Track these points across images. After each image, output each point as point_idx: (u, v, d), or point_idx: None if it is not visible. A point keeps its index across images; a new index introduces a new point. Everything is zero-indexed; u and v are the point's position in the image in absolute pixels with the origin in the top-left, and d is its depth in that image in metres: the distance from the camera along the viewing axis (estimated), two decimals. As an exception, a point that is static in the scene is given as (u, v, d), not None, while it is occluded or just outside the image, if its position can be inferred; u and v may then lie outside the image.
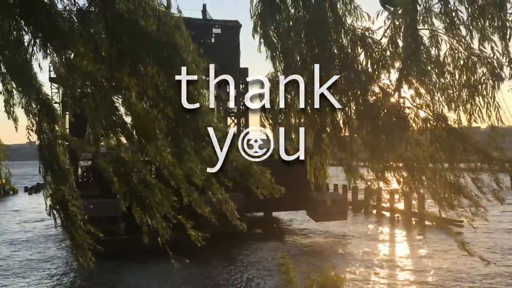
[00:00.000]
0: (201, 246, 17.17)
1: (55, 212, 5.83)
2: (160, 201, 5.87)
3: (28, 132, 5.45)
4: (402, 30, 5.51)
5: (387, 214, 29.37)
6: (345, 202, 26.65)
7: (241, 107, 32.40)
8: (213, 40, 30.30)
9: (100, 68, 5.43)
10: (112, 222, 21.01)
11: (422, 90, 5.68)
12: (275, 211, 27.03)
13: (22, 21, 5.28)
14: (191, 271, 15.63)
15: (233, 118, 34.71)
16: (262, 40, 5.79)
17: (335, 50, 5.55)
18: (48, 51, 5.38)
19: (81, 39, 5.28)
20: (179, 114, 5.69)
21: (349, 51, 5.58)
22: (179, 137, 5.96)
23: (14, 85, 5.46)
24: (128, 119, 5.86)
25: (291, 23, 5.61)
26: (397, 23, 5.51)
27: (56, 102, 5.86)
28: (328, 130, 5.97)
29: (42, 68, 5.67)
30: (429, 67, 5.57)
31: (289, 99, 6.48)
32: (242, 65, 30.91)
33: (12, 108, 5.44)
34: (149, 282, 14.13)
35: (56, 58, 5.59)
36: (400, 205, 28.04)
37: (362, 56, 5.67)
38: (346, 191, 31.61)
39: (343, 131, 6.16)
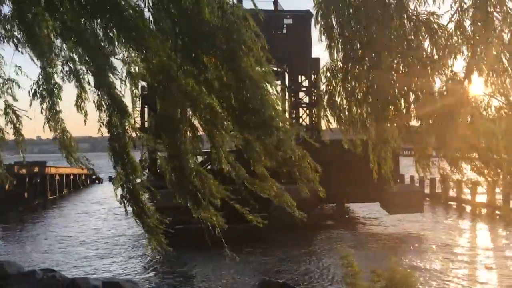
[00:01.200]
0: (274, 237, 17.43)
1: (125, 201, 6.08)
2: (211, 193, 5.98)
3: (100, 125, 5.76)
4: (470, 13, 5.18)
5: (468, 207, 27.86)
6: (421, 194, 25.67)
7: (313, 98, 32.19)
8: (284, 31, 30.24)
9: (171, 63, 5.60)
10: (187, 212, 21.85)
11: (494, 78, 5.32)
12: (348, 202, 26.65)
13: (96, 19, 5.52)
14: (261, 260, 15.89)
15: (305, 109, 34.47)
16: (322, 29, 5.70)
17: (398, 37, 5.33)
18: (124, 48, 5.62)
19: (153, 34, 5.47)
20: (244, 105, 5.75)
21: (413, 37, 5.35)
22: (244, 128, 6.01)
23: (89, 81, 5.73)
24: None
25: (351, 10, 5.46)
26: (465, 6, 5.19)
27: (136, 96, 6.11)
28: (392, 119, 5.77)
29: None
30: (502, 54, 5.21)
31: (349, 89, 6.35)
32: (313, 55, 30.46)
33: (83, 103, 5.78)
34: (220, 270, 14.49)
35: (132, 54, 5.83)
36: (482, 198, 26.46)
37: (427, 43, 5.41)
38: (423, 183, 30.43)
39: (407, 120, 5.94)
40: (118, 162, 5.88)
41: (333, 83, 5.97)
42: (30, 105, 5.98)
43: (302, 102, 34.90)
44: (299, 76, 35.06)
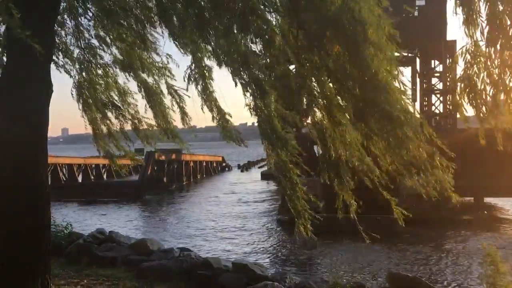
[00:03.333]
0: (404, 230, 16.73)
1: (280, 177, 6.08)
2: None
3: (249, 110, 5.91)
4: None
5: None
6: None
7: (447, 84, 29.97)
8: (416, 13, 28.56)
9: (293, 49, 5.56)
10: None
11: None
12: (487, 196, 24.47)
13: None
14: (389, 253, 15.30)
15: (438, 95, 32.33)
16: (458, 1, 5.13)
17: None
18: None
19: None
20: (366, 94, 5.51)
21: None
22: (366, 118, 5.77)
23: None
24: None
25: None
26: None
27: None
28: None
29: None
30: None
31: (495, 75, 5.68)
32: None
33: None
34: (344, 259, 14.27)
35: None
36: None
37: None
38: None
39: None
40: (268, 143, 5.92)
41: (475, 67, 5.37)
42: (187, 89, 6.33)
43: (435, 88, 32.77)
44: (432, 61, 32.95)
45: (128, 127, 7.59)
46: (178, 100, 7.26)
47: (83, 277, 8.63)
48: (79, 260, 9.96)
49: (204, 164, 49.62)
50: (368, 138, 5.89)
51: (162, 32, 6.70)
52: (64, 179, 38.39)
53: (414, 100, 33.95)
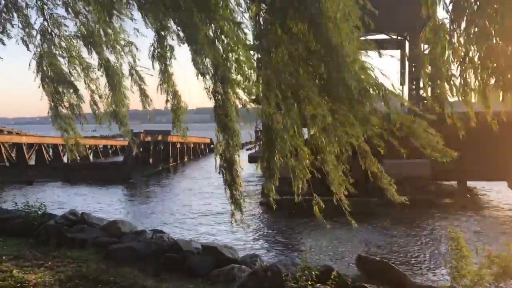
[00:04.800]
0: (383, 212, 16.63)
1: (223, 171, 6.06)
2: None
3: (207, 94, 5.74)
4: None
5: None
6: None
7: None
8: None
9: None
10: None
11: None
12: (469, 180, 24.56)
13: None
14: (365, 235, 15.31)
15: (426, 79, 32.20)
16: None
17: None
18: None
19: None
20: (332, 73, 5.38)
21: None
22: (333, 96, 5.65)
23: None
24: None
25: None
26: None
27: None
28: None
29: None
30: None
31: (461, 53, 5.54)
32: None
33: None
34: (328, 243, 14.25)
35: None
36: None
37: None
38: None
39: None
40: (220, 131, 5.83)
41: (439, 45, 5.22)
42: (153, 67, 6.12)
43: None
44: (422, 44, 32.58)
45: (87, 106, 7.35)
46: (139, 81, 7.03)
47: (49, 259, 8.48)
48: (48, 241, 9.81)
49: (192, 146, 49.36)
50: (334, 114, 5.79)
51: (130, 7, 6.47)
52: (49, 159, 38.05)
53: (402, 84, 33.84)
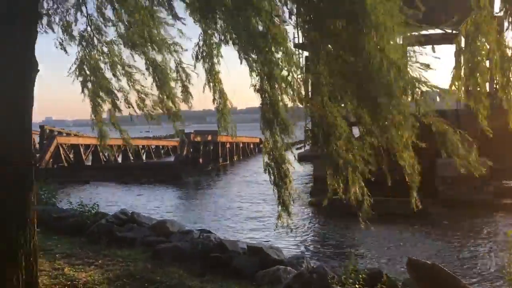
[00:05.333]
0: (439, 213, 15.95)
1: (270, 170, 5.94)
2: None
3: (254, 90, 5.66)
4: None
5: None
6: None
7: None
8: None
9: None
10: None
11: None
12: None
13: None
14: (418, 237, 14.78)
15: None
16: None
17: None
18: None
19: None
20: (367, 71, 5.13)
21: None
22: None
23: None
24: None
25: None
26: None
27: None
28: None
29: None
30: None
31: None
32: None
33: None
34: (379, 245, 13.87)
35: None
36: None
37: None
38: None
39: None
40: (266, 129, 5.72)
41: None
42: (195, 66, 6.16)
43: (480, 66, 31.14)
44: (479, 36, 31.10)
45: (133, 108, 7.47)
46: (184, 80, 7.06)
47: (100, 257, 8.70)
48: (99, 240, 10.08)
49: (241, 145, 49.68)
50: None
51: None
52: (104, 160, 39.43)
53: (457, 79, 32.44)
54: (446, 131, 5.11)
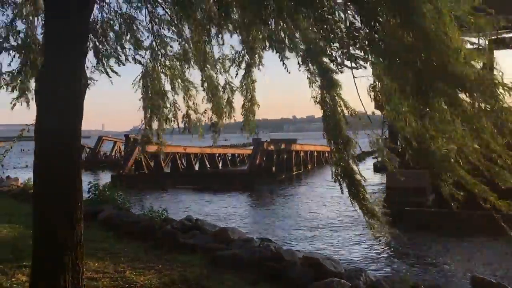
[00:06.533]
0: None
1: (340, 179, 5.87)
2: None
3: (314, 102, 5.69)
4: None
5: None
6: None
7: None
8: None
9: None
10: (420, 193, 20.57)
11: None
12: None
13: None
14: (494, 255, 13.77)
15: None
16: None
17: None
18: None
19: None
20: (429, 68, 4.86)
21: None
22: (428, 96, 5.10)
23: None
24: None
25: None
26: None
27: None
28: None
29: None
30: None
31: None
32: None
33: None
34: (447, 260, 13.14)
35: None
36: None
37: None
38: None
39: None
40: (330, 140, 5.70)
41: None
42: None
43: None
44: None
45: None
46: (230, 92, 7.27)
47: (161, 262, 9.06)
48: (163, 245, 10.49)
49: (316, 154, 49.35)
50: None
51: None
52: (182, 167, 41.00)
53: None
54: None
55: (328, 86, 5.36)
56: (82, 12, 4.73)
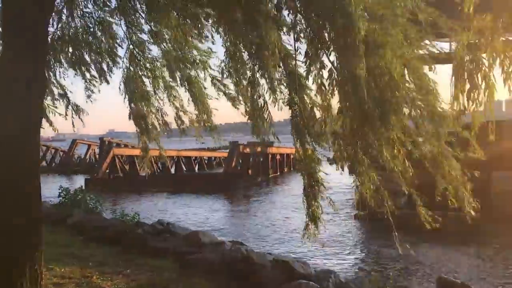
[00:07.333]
0: (489, 230, 15.16)
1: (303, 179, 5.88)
2: None
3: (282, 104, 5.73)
4: None
5: None
6: None
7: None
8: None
9: None
10: (392, 195, 20.84)
11: None
12: None
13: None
14: (462, 256, 14.06)
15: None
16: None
17: None
18: None
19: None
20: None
21: None
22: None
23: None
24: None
25: None
26: None
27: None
28: None
29: None
30: None
31: None
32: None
33: None
34: (415, 262, 13.33)
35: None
36: None
37: None
38: None
39: None
40: (297, 139, 5.71)
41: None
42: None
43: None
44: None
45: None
46: (223, 88, 7.35)
47: (130, 267, 8.96)
48: (134, 249, 10.38)
49: (292, 156, 49.50)
50: None
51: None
52: (158, 171, 40.64)
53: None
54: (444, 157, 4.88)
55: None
56: (39, 6, 4.64)
